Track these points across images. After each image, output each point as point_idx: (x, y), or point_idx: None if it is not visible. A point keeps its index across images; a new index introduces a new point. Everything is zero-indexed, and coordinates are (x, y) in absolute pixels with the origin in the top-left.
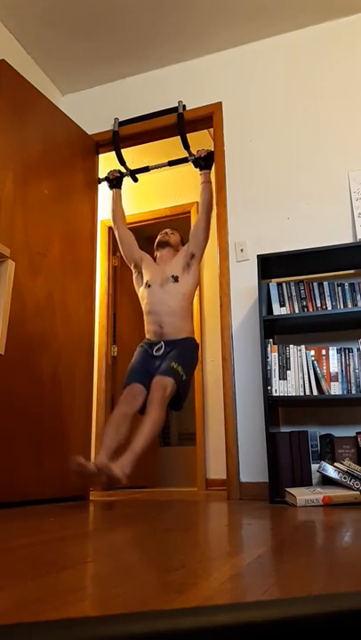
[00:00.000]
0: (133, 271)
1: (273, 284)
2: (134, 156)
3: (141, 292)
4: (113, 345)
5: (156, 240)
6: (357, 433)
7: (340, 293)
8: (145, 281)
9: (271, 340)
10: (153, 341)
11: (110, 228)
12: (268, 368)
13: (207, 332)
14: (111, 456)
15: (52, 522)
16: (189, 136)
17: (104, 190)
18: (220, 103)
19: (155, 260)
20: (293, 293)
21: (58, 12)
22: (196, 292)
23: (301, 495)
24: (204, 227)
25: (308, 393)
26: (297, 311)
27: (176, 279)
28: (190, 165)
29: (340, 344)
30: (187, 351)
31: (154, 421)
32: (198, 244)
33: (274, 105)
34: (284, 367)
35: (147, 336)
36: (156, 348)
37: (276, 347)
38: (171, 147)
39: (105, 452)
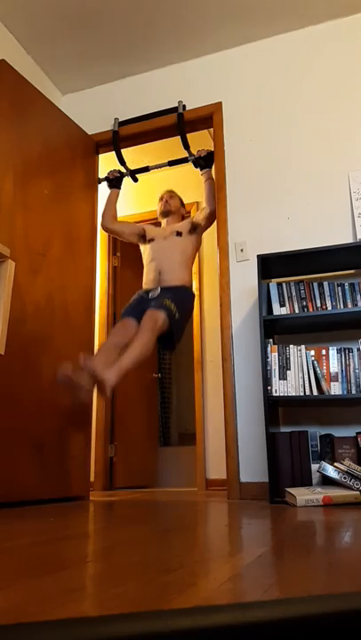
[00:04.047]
0: (141, 244)
1: (273, 284)
2: (134, 156)
3: (144, 248)
4: None
5: (158, 210)
6: (357, 433)
7: (340, 293)
8: (148, 239)
9: (271, 340)
10: (150, 288)
11: None
12: (268, 368)
13: (207, 331)
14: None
15: (52, 522)
16: (189, 136)
17: (104, 190)
18: (220, 103)
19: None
20: (293, 293)
21: (58, 12)
22: (197, 293)
23: (301, 495)
24: (210, 213)
25: (308, 393)
26: (297, 311)
27: (179, 234)
28: (190, 165)
29: (340, 344)
30: (181, 295)
31: (142, 344)
32: (203, 223)
33: (274, 105)
34: (284, 367)
35: (144, 287)
36: (152, 291)
37: (276, 347)
38: (171, 147)
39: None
